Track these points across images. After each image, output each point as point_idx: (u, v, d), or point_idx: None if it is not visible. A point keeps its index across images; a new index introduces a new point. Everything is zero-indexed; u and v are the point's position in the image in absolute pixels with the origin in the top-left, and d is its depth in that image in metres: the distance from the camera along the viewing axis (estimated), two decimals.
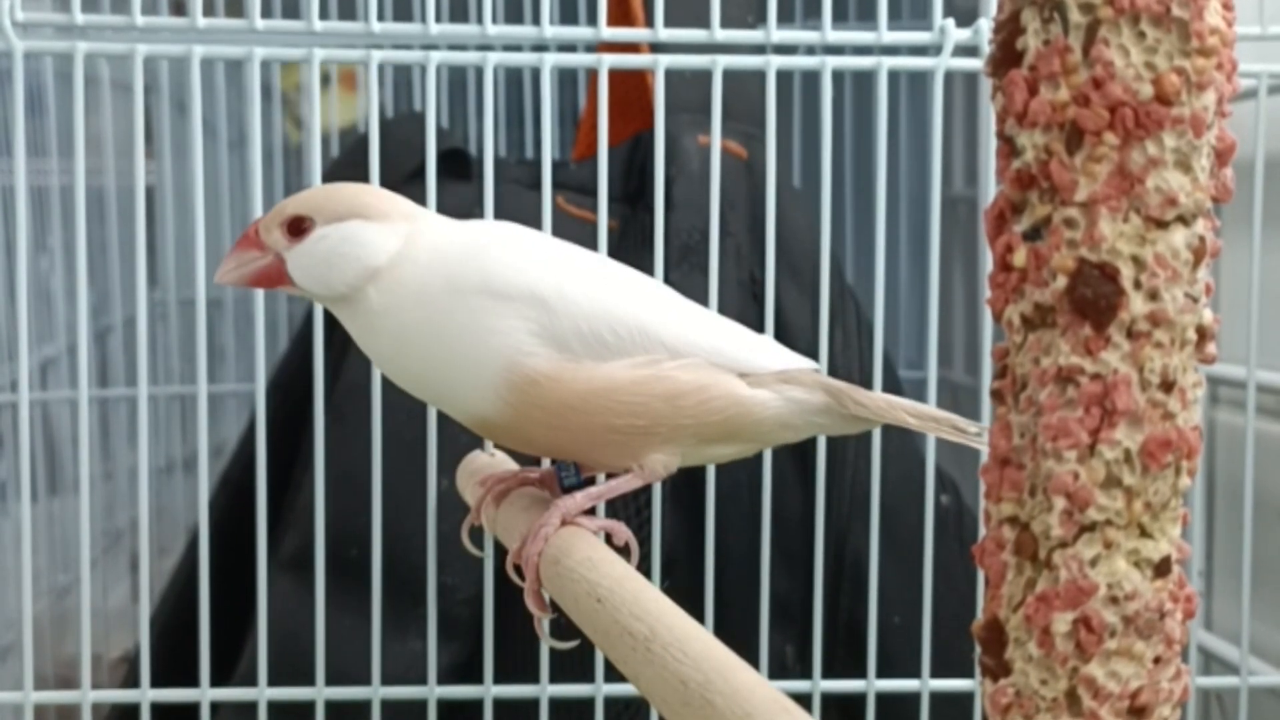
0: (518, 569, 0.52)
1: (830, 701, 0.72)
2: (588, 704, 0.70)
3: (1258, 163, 0.72)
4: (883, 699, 0.72)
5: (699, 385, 0.52)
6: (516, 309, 0.52)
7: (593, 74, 0.71)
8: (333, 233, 0.53)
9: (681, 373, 0.52)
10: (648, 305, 0.54)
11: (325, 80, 1.19)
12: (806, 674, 0.72)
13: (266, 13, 0.69)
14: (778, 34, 0.70)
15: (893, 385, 0.79)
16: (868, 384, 0.72)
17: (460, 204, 0.69)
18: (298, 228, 0.53)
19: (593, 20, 0.72)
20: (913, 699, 0.72)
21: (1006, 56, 0.31)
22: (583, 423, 0.52)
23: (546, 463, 0.61)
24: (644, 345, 0.52)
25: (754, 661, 0.63)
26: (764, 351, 0.55)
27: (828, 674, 0.72)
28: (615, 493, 0.53)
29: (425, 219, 0.55)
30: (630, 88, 0.82)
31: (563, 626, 0.51)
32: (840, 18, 0.87)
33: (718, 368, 0.53)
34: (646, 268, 0.61)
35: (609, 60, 0.69)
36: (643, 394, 0.52)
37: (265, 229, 0.54)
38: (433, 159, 0.69)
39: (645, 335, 0.52)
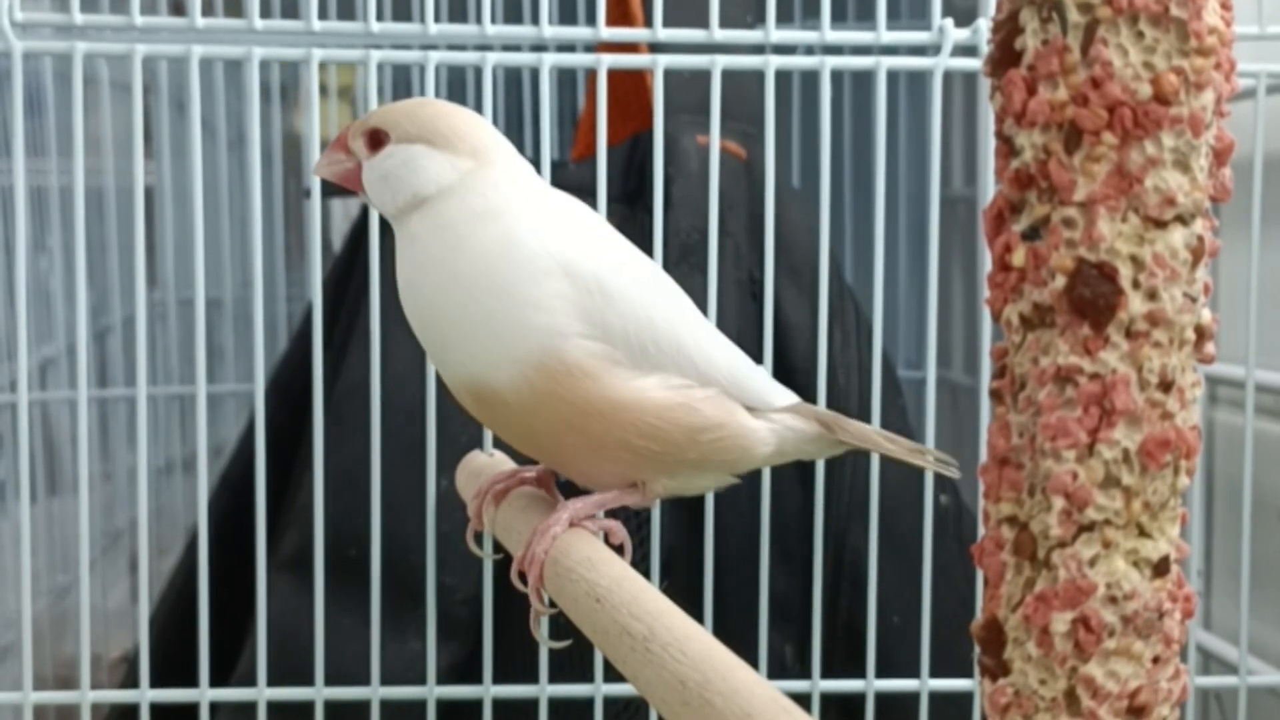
0: (522, 575, 0.51)
1: (829, 701, 0.72)
2: (587, 704, 0.70)
3: (1256, 162, 0.72)
4: (882, 699, 0.72)
5: (718, 423, 0.51)
6: (576, 290, 0.49)
7: (591, 74, 0.71)
8: (399, 153, 0.52)
9: (706, 406, 0.51)
10: (685, 321, 0.52)
11: (324, 91, 1.20)
12: (806, 674, 0.72)
13: (265, 13, 0.69)
14: (776, 34, 0.70)
15: (892, 385, 0.79)
16: (867, 384, 0.72)
17: None
18: (376, 140, 0.53)
19: (592, 20, 0.71)
20: (912, 699, 0.72)
21: (1005, 56, 0.31)
22: (599, 431, 0.50)
23: None
24: (677, 364, 0.51)
25: (753, 661, 0.64)
26: (768, 386, 0.54)
27: (827, 674, 0.72)
28: (617, 503, 0.53)
29: (500, 162, 0.52)
30: (629, 88, 0.82)
31: (558, 626, 0.51)
32: (839, 18, 0.88)
33: (732, 400, 0.52)
34: None
35: (608, 60, 0.69)
36: (668, 421, 0.50)
37: (353, 135, 0.54)
38: None
39: (680, 354, 0.51)
